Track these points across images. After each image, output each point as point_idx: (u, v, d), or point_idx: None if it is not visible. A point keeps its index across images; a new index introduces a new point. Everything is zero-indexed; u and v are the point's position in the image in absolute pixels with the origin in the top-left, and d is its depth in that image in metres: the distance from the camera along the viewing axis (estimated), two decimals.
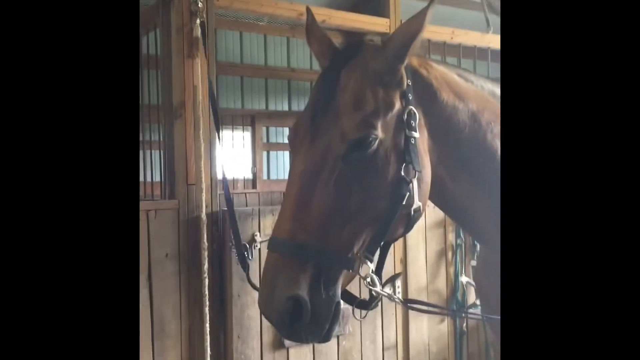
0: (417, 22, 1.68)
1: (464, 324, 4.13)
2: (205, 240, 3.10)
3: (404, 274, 3.88)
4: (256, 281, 3.19)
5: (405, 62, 1.73)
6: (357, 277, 1.65)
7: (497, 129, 1.87)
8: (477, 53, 4.46)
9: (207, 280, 3.08)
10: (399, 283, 3.82)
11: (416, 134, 1.70)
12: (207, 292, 3.08)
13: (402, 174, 1.65)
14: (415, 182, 1.66)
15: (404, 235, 1.80)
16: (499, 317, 1.81)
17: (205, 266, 3.08)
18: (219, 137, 3.09)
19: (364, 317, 1.77)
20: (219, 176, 3.36)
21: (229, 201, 2.92)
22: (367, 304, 1.76)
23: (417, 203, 1.68)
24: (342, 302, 1.61)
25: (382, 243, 1.83)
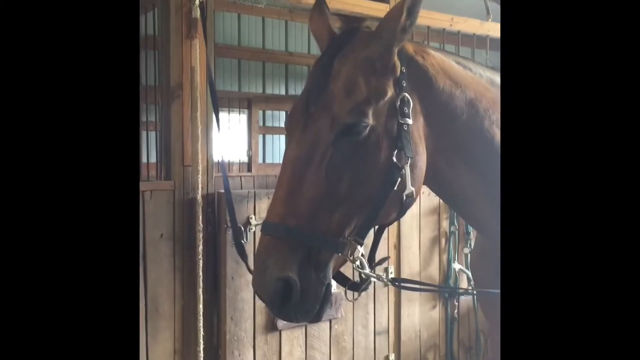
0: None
1: (455, 311, 4.17)
2: (200, 222, 3.10)
3: (397, 260, 3.90)
4: (251, 263, 3.22)
5: (398, 46, 1.73)
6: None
7: (494, 116, 1.88)
8: (475, 41, 4.45)
9: (201, 262, 3.10)
10: (392, 269, 3.84)
11: (409, 121, 1.71)
12: (201, 274, 3.09)
13: (394, 159, 1.67)
14: (407, 168, 1.69)
15: (397, 219, 1.83)
16: (489, 291, 1.85)
17: (200, 248, 3.09)
18: (217, 123, 3.06)
19: (356, 299, 1.82)
20: (215, 158, 3.36)
21: (228, 191, 2.91)
22: (357, 286, 1.81)
23: (409, 188, 1.70)
24: (334, 285, 1.65)
25: (375, 227, 1.85)
